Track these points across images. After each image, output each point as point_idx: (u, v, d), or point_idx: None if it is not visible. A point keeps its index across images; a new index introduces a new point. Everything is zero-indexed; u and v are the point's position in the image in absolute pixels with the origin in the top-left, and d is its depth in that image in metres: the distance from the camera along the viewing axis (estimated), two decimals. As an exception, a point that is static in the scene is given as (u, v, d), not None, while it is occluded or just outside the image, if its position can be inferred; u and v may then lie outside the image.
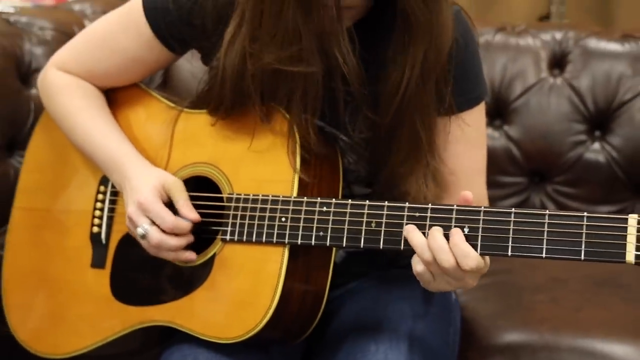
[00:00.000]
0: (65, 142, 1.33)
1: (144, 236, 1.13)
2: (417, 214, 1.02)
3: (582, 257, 0.94)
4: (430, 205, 1.02)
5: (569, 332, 1.33)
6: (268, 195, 1.11)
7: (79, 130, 1.26)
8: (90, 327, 1.25)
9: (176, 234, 1.13)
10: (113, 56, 1.27)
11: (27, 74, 1.77)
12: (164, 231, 1.13)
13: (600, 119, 1.81)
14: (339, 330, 1.21)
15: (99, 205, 1.28)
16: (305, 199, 1.10)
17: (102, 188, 1.28)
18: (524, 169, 1.82)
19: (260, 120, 1.14)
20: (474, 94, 1.20)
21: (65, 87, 1.29)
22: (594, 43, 1.87)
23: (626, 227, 0.93)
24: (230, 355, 1.13)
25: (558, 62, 1.86)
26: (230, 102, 1.15)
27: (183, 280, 1.17)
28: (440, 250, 0.98)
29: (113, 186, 1.27)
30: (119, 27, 1.26)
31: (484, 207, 0.99)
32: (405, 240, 1.03)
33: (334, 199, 1.09)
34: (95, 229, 1.27)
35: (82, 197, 1.30)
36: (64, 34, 1.88)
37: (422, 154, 1.15)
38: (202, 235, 1.16)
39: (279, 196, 1.11)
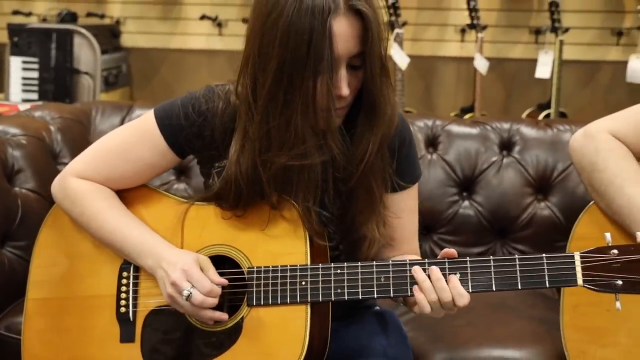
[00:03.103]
0: (73, 239, 1.28)
1: (188, 297, 1.12)
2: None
3: (547, 285, 1.07)
4: (427, 260, 1.10)
5: (490, 345, 1.44)
6: (286, 265, 1.15)
7: (109, 227, 1.23)
8: None
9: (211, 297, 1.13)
10: (129, 164, 1.25)
11: (11, 174, 1.69)
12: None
13: (466, 183, 1.94)
14: None
15: (123, 288, 1.23)
16: (320, 265, 1.14)
17: (124, 274, 1.24)
18: (415, 224, 1.94)
19: (270, 207, 1.18)
20: (415, 174, 1.31)
21: (88, 192, 1.25)
22: (455, 127, 1.99)
23: (574, 261, 1.07)
24: None
25: (432, 143, 1.97)
26: (249, 200, 1.17)
27: (215, 342, 1.17)
28: (442, 290, 1.07)
29: (135, 271, 1.24)
30: (134, 139, 1.25)
31: (469, 258, 1.10)
32: (411, 287, 1.10)
33: (345, 263, 1.14)
34: (123, 309, 1.23)
35: (104, 284, 1.25)
36: (36, 138, 1.82)
37: (376, 204, 1.22)
38: (226, 304, 1.18)
39: (296, 265, 1.14)
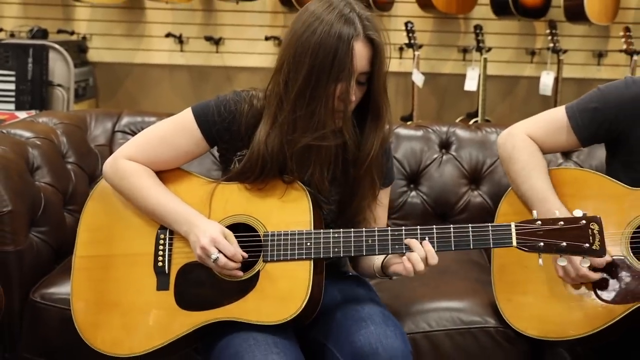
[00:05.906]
0: (115, 208, 1.51)
1: (216, 260, 1.37)
2: (396, 233, 1.38)
3: (491, 246, 1.35)
4: (403, 228, 1.38)
5: (439, 299, 1.73)
6: (295, 230, 1.40)
7: (152, 199, 1.46)
8: (159, 330, 1.42)
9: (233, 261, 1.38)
10: (170, 150, 1.49)
11: (31, 170, 1.88)
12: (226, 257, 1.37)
13: (413, 176, 2.21)
14: (327, 312, 1.47)
15: (160, 247, 1.46)
16: (321, 231, 1.40)
17: (161, 236, 1.47)
18: (372, 212, 2.20)
19: (282, 184, 1.43)
20: (390, 179, 1.59)
21: (135, 171, 1.48)
22: (402, 131, 2.26)
23: (511, 229, 1.36)
24: (268, 332, 1.38)
25: (383, 143, 2.29)
26: (270, 173, 1.42)
27: (236, 289, 1.41)
28: (431, 256, 1.36)
29: (170, 234, 1.46)
30: (175, 132, 1.49)
31: (435, 226, 1.38)
32: (394, 246, 1.36)
33: (341, 230, 1.39)
34: (160, 264, 1.45)
35: (143, 244, 1.48)
36: (47, 140, 2.01)
37: (376, 192, 1.50)
38: (247, 260, 1.42)
39: (303, 230, 1.40)
